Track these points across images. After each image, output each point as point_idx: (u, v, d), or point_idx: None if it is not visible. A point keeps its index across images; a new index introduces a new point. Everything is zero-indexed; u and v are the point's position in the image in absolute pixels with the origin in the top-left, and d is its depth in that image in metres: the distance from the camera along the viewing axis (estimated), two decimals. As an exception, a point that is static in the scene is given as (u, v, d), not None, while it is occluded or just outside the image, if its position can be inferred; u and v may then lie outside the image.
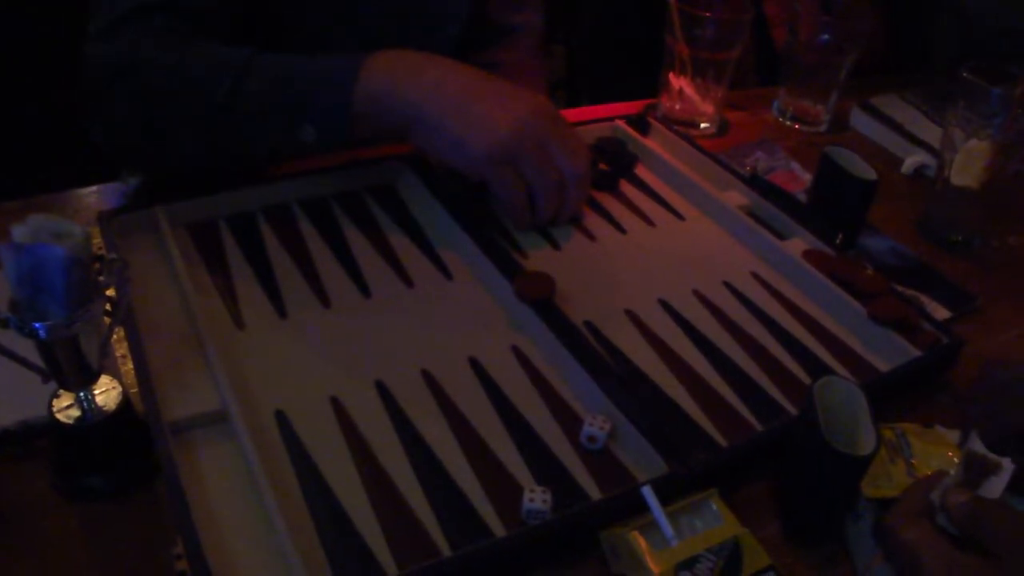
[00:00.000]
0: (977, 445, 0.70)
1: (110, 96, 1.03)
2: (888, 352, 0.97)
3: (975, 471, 0.70)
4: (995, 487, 0.70)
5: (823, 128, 1.48)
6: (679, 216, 1.19)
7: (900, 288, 1.05)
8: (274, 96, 1.02)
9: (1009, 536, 0.65)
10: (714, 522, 0.75)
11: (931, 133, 1.43)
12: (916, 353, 0.95)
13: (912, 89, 1.56)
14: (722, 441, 0.86)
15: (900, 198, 1.30)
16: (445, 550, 0.73)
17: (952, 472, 0.72)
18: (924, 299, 1.08)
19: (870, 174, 1.09)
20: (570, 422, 0.86)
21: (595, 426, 0.83)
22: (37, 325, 0.66)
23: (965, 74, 1.13)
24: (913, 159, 1.38)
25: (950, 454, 0.82)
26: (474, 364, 0.91)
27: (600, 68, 2.02)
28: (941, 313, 1.07)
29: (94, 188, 1.11)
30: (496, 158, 1.02)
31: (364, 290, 0.99)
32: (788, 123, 1.49)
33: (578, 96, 2.14)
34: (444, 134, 1.02)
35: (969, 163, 1.14)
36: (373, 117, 1.02)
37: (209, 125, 1.02)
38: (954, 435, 0.86)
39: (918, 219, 1.25)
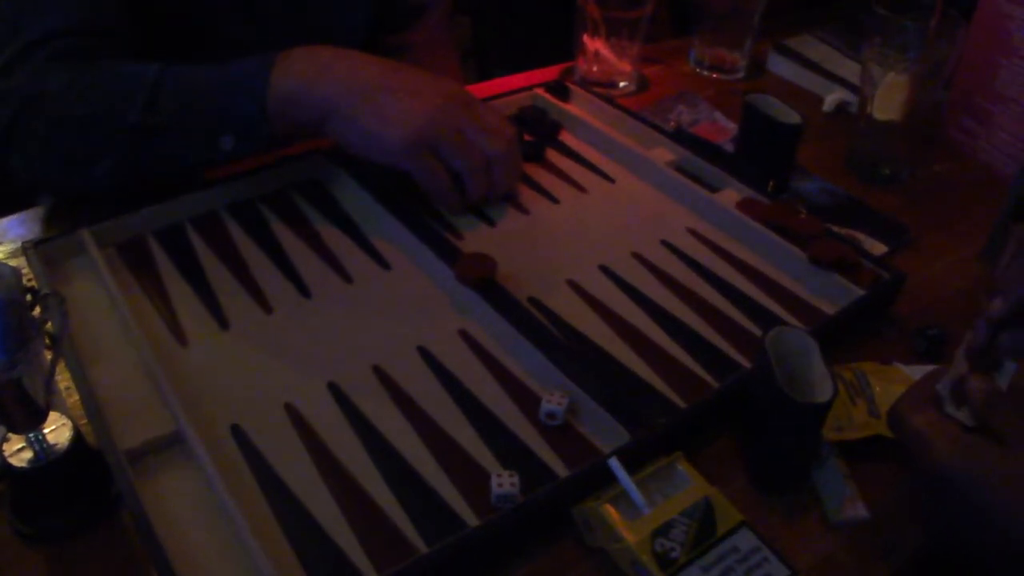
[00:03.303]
0: (975, 343, 0.71)
1: (24, 130, 0.99)
2: (832, 294, 0.98)
3: (979, 365, 0.71)
4: (1000, 382, 0.71)
5: (741, 75, 1.49)
6: (609, 179, 1.19)
7: (836, 228, 1.05)
8: (188, 109, 1.00)
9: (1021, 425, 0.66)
10: (683, 485, 0.76)
11: (848, 69, 1.44)
12: (860, 292, 0.96)
13: (824, 27, 1.57)
14: (680, 402, 0.86)
15: (825, 137, 1.31)
16: (420, 547, 0.72)
17: (957, 363, 0.72)
18: (860, 236, 1.09)
19: (794, 118, 1.10)
20: (527, 401, 0.86)
21: (553, 402, 0.83)
22: (-24, 373, 0.64)
23: (878, 9, 1.13)
24: (833, 96, 1.39)
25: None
26: (424, 353, 0.91)
27: (508, 35, 2.00)
28: (878, 248, 1.08)
29: (14, 216, 1.08)
30: (414, 148, 1.01)
31: (303, 291, 0.98)
32: (706, 73, 1.49)
33: (488, 66, 2.12)
34: (360, 128, 1.01)
35: (890, 97, 1.15)
36: (288, 117, 1.01)
37: (128, 146, 1.00)
38: (912, 371, 0.87)
39: (845, 156, 1.26)
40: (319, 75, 1.01)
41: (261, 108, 0.99)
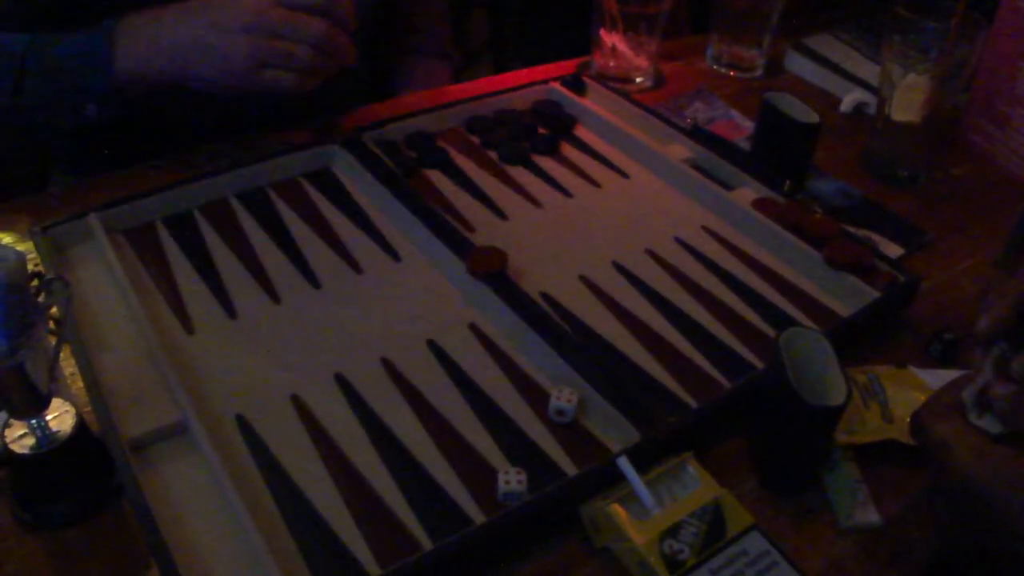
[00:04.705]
0: (1005, 349, 0.70)
1: None
2: (847, 295, 0.97)
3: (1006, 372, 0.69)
4: None
5: (759, 73, 1.48)
6: (624, 174, 1.18)
7: (852, 229, 1.04)
8: (51, 87, 1.07)
9: None
10: (692, 485, 0.75)
11: (866, 69, 1.43)
12: (875, 294, 0.94)
13: (843, 26, 1.56)
14: (691, 402, 0.85)
15: (842, 137, 1.30)
16: (425, 543, 0.71)
17: (983, 371, 0.71)
18: (876, 238, 1.08)
19: (812, 117, 1.09)
20: (536, 397, 0.85)
21: (562, 399, 0.82)
22: (-22, 358, 0.63)
23: (899, 8, 1.12)
24: (851, 97, 1.38)
25: (923, 398, 0.82)
26: (433, 347, 0.90)
27: (525, 29, 1.99)
28: (894, 251, 1.06)
29: (23, 201, 1.07)
30: (254, 75, 1.04)
31: (313, 281, 0.97)
32: (723, 70, 1.48)
33: (505, 59, 2.11)
34: (210, 82, 1.06)
35: (909, 98, 1.13)
36: (141, 88, 1.08)
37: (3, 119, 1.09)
38: (927, 375, 0.86)
39: (862, 157, 1.24)
40: (149, 51, 1.06)
41: (112, 82, 1.06)
